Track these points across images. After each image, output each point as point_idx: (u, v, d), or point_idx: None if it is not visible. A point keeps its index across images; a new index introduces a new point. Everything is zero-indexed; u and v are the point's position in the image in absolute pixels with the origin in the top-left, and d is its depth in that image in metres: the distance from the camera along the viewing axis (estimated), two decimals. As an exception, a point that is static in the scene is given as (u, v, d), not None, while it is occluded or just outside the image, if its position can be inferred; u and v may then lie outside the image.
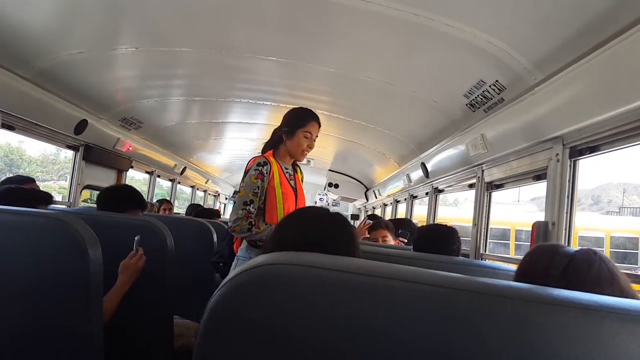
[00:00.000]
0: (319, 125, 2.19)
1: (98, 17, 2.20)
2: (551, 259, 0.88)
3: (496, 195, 2.83)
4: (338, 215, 1.16)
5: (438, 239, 1.78)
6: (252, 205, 2.02)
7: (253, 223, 2.00)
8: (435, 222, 3.71)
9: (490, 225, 2.79)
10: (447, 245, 1.76)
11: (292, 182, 2.18)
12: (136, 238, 1.66)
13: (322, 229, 1.11)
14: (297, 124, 2.15)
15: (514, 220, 11.53)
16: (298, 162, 2.29)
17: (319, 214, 1.16)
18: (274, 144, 2.21)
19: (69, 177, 3.72)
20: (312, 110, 2.20)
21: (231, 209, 2.31)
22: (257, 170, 2.06)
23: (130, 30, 2.41)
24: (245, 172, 2.10)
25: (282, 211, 2.06)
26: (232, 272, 0.68)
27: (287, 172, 2.17)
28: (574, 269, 0.85)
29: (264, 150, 2.22)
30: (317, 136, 2.19)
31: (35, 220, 1.28)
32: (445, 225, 1.89)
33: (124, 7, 2.12)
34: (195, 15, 2.15)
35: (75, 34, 2.35)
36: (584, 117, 1.65)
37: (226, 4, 2.04)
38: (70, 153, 3.60)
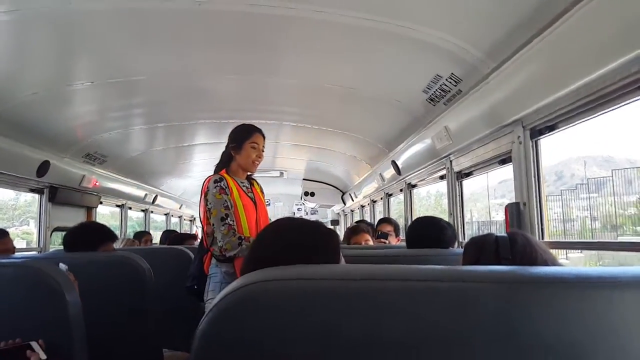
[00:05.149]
0: (264, 137, 2.26)
1: (49, 56, 2.15)
2: (496, 245, 0.99)
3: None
4: (320, 224, 1.07)
5: (430, 232, 1.76)
6: (229, 218, 2.03)
7: (243, 237, 2.01)
8: (414, 217, 3.77)
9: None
10: (441, 236, 1.74)
11: (250, 195, 2.20)
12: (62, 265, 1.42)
13: (305, 241, 0.99)
14: (243, 137, 2.21)
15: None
16: (254, 176, 2.34)
17: (300, 224, 1.06)
18: (224, 163, 2.26)
19: (32, 222, 3.59)
20: (253, 125, 2.27)
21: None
22: (217, 187, 2.08)
23: (83, 66, 2.36)
24: (205, 194, 2.11)
25: (245, 223, 2.07)
26: (218, 296, 0.64)
27: (243, 186, 2.20)
28: (519, 249, 0.97)
29: (216, 172, 2.25)
30: (264, 147, 2.26)
31: (3, 270, 1.23)
32: (433, 217, 1.91)
33: (73, 44, 2.07)
34: (148, 42, 2.13)
35: (26, 76, 2.29)
36: (538, 99, 1.72)
37: (178, 27, 2.02)
38: (30, 195, 3.47)
